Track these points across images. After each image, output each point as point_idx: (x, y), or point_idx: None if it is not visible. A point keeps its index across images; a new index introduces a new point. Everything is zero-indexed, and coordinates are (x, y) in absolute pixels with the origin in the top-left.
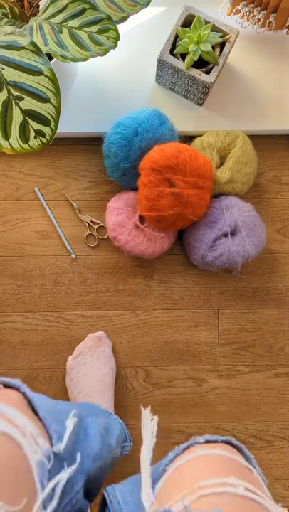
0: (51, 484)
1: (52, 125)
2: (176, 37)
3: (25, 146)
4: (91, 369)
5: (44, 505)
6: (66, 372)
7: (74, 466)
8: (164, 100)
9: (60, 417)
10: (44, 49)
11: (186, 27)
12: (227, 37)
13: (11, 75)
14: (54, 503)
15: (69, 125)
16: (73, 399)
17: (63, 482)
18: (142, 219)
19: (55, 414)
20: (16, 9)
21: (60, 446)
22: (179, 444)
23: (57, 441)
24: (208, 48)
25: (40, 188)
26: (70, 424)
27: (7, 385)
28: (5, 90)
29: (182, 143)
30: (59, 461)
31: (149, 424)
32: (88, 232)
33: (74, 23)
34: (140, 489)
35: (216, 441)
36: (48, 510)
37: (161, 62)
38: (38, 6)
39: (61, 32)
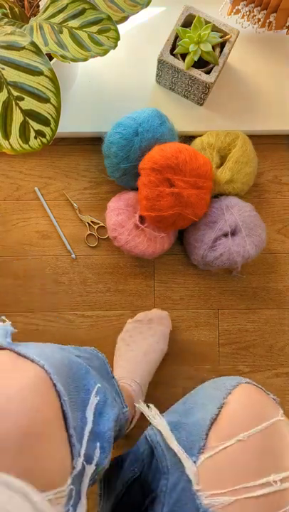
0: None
1: (52, 125)
2: (176, 37)
3: (26, 146)
4: (142, 340)
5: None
6: (122, 331)
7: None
8: (164, 100)
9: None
10: (44, 49)
11: (186, 27)
12: (227, 37)
13: (11, 75)
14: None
15: (69, 125)
16: (116, 356)
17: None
18: (142, 219)
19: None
20: (16, 9)
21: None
22: None
23: (77, 457)
24: (208, 48)
25: (40, 188)
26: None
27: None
28: (5, 90)
29: (182, 143)
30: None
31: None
32: (88, 232)
33: (74, 23)
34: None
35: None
36: None
37: (161, 62)
38: (38, 6)
39: (61, 32)
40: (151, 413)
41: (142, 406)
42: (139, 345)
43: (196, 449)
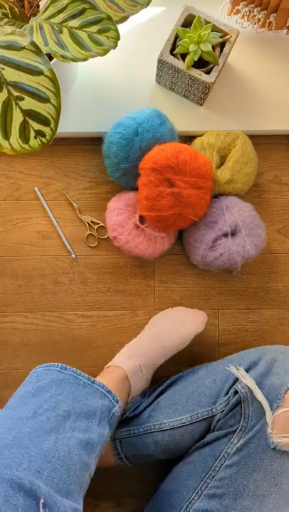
0: None
1: (52, 125)
2: (176, 37)
3: (26, 146)
4: (170, 324)
5: None
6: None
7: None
8: (164, 100)
9: None
10: (44, 49)
11: (186, 27)
12: (227, 37)
13: (11, 75)
14: None
15: (69, 125)
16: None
17: None
18: (142, 219)
19: None
20: (16, 9)
21: None
22: None
23: None
24: (208, 48)
25: (40, 188)
26: None
27: None
28: (5, 90)
29: (182, 143)
30: None
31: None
32: (88, 232)
33: (74, 23)
34: None
35: None
36: None
37: (161, 62)
38: (38, 6)
39: (61, 32)
40: (241, 373)
41: (231, 369)
42: (163, 329)
43: (275, 405)
